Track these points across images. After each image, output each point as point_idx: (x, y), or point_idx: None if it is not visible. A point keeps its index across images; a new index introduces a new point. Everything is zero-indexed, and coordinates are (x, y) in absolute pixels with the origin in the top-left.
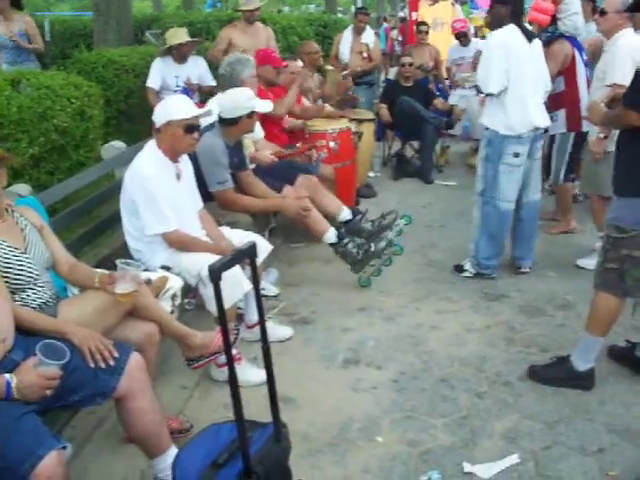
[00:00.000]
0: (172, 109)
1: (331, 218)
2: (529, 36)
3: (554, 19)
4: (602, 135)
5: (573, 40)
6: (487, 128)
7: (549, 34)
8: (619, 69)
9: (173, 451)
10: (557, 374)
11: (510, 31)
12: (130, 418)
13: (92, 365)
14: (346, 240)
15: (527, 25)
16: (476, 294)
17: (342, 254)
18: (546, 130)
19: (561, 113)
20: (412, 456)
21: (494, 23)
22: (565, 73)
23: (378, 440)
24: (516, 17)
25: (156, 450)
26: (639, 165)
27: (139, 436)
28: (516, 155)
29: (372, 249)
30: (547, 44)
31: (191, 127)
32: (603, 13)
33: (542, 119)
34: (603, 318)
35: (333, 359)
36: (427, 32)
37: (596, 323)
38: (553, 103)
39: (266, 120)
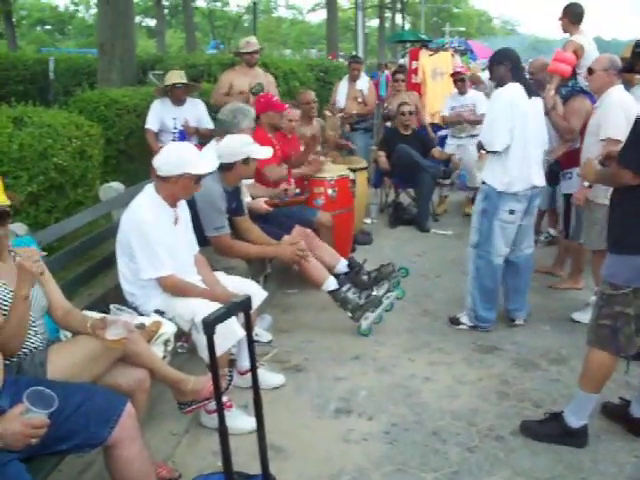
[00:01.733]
0: (190, 162)
1: (328, 269)
2: (530, 93)
3: (574, 73)
4: (586, 184)
5: (591, 96)
6: (484, 182)
7: (569, 88)
8: (612, 123)
9: None
10: (550, 430)
11: (514, 89)
12: (117, 466)
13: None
14: (346, 287)
15: (529, 79)
16: (469, 346)
17: (342, 301)
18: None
19: (577, 171)
20: None
21: (497, 83)
22: (582, 130)
23: None
24: (517, 73)
25: None
26: (632, 222)
27: None
28: (511, 212)
29: (374, 293)
30: (566, 99)
31: (201, 178)
32: (591, 72)
33: (540, 178)
34: (596, 375)
35: (325, 408)
36: (403, 80)
37: (589, 379)
38: (568, 160)
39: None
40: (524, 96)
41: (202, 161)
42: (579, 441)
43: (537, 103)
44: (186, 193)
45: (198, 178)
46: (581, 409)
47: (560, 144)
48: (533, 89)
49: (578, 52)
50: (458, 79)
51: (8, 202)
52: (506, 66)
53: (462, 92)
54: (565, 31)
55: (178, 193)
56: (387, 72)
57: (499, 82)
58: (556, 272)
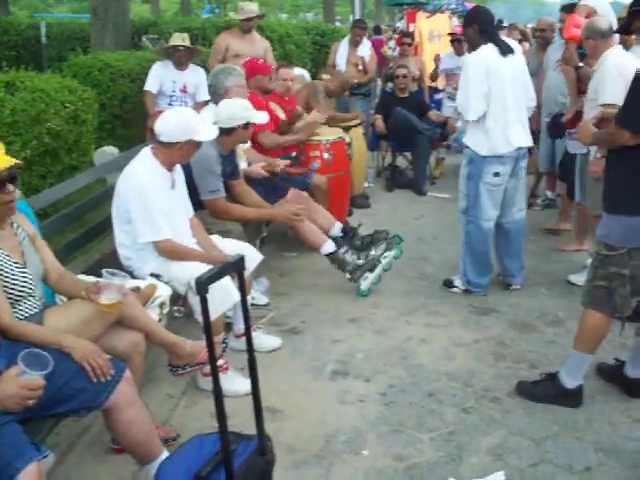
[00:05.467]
0: (195, 128)
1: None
2: (505, 51)
3: None
4: (599, 155)
5: None
6: (468, 147)
7: (581, 52)
8: (610, 89)
9: (165, 456)
10: (545, 391)
11: (485, 51)
12: (118, 429)
13: (94, 380)
14: (344, 249)
15: (506, 39)
16: (466, 308)
17: (340, 263)
18: (530, 150)
19: None
20: (398, 471)
21: (470, 47)
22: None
23: (364, 454)
24: (488, 34)
25: (147, 458)
26: (628, 183)
27: (128, 445)
28: (496, 175)
29: (372, 252)
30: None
31: (201, 143)
32: (587, 38)
33: (524, 139)
34: (591, 335)
35: (321, 370)
36: (410, 44)
37: (584, 340)
38: (573, 122)
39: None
40: (497, 57)
41: (207, 127)
42: (574, 401)
43: (514, 61)
44: (186, 158)
45: (199, 143)
46: (576, 370)
47: (572, 104)
48: (508, 47)
49: (590, 16)
50: (454, 39)
51: (14, 161)
52: (474, 28)
53: (458, 53)
54: None
55: (178, 158)
56: (376, 37)
57: (472, 46)
58: (561, 228)
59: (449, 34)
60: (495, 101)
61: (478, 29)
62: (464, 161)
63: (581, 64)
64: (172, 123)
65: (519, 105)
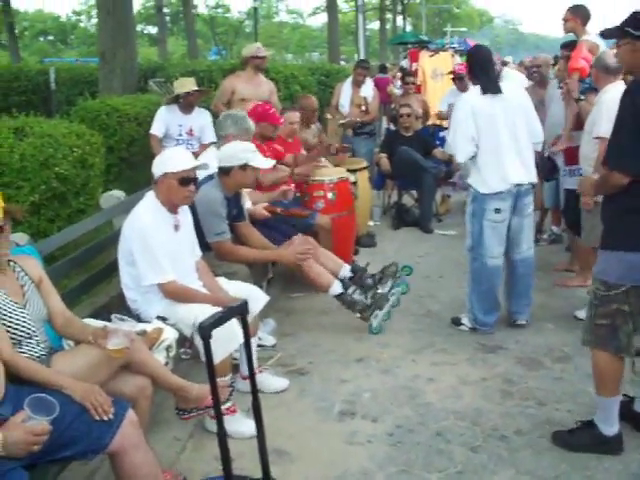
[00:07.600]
0: (168, 161)
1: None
2: (495, 90)
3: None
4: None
5: None
6: (470, 185)
7: (587, 85)
8: (605, 123)
9: None
10: (583, 440)
11: (472, 92)
12: (124, 473)
13: (97, 418)
14: (351, 289)
15: (504, 78)
16: (473, 346)
17: (349, 303)
18: (534, 185)
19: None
20: None
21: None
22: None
23: None
24: (479, 73)
25: None
26: (624, 219)
27: None
28: (497, 211)
29: (379, 291)
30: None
31: (186, 180)
32: (593, 66)
33: (522, 175)
34: (607, 377)
35: (329, 411)
36: (414, 83)
37: (603, 384)
38: (575, 157)
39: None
40: (485, 96)
41: (182, 160)
42: (614, 448)
43: (509, 98)
44: (175, 196)
45: (183, 180)
46: (609, 415)
47: (566, 137)
48: (497, 87)
49: (593, 50)
50: (457, 77)
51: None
52: (472, 66)
53: (461, 90)
54: (570, 31)
55: (170, 196)
56: (380, 75)
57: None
58: (574, 268)
59: (450, 72)
60: (486, 139)
61: (473, 67)
62: (468, 199)
63: (582, 97)
64: (155, 161)
65: (517, 142)
